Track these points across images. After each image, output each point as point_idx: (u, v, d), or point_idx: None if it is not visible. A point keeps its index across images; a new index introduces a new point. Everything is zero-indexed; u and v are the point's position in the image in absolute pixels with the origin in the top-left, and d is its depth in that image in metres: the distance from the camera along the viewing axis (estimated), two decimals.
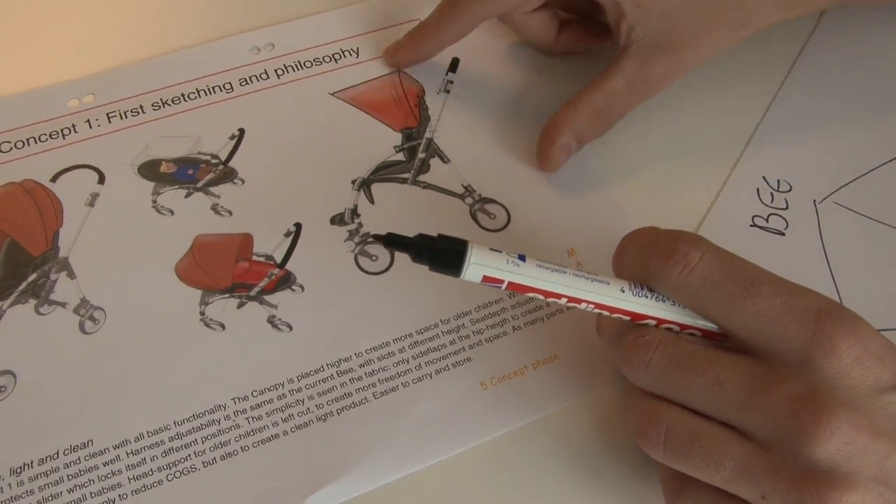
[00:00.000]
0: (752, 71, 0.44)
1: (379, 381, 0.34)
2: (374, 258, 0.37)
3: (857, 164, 0.41)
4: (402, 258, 0.37)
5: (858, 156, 0.41)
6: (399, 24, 0.45)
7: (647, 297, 0.29)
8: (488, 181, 0.40)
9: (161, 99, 0.42)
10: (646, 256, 0.29)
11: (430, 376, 0.34)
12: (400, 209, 0.39)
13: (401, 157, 0.40)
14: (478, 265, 0.28)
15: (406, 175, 0.40)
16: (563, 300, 0.29)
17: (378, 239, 0.28)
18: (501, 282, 0.28)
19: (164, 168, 0.40)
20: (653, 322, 0.29)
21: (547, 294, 0.29)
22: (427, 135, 0.41)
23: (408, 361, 0.35)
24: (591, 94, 0.38)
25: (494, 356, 0.35)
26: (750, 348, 0.28)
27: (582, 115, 0.38)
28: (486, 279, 0.28)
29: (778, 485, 0.26)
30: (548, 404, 0.34)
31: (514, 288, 0.29)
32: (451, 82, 0.43)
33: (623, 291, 0.29)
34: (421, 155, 0.40)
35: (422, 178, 0.40)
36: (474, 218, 0.38)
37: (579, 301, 0.29)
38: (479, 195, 0.39)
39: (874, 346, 0.26)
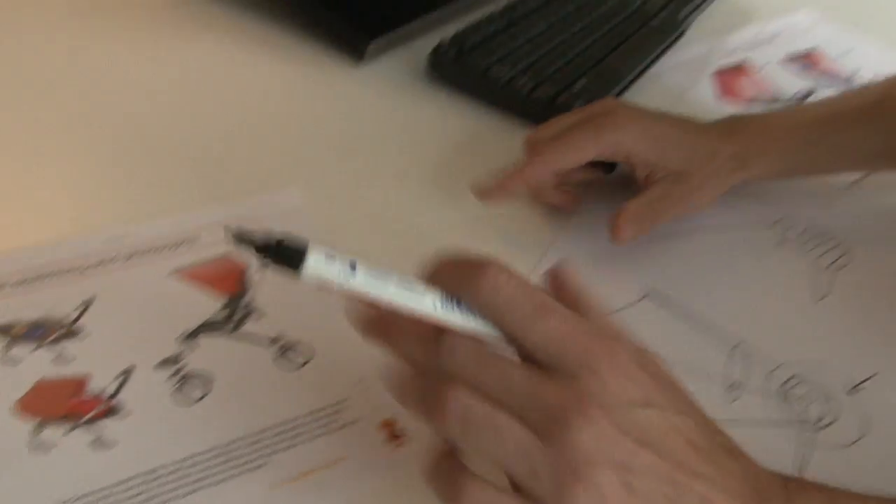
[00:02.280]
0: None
1: (182, 485, 0.40)
2: (190, 396, 0.44)
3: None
4: (217, 396, 0.44)
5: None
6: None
7: (454, 312, 0.34)
8: (297, 327, 0.49)
9: (22, 278, 0.50)
10: (458, 276, 0.35)
11: (227, 481, 0.41)
12: (217, 355, 0.47)
13: (224, 314, 0.49)
14: (314, 276, 0.34)
15: (228, 327, 0.48)
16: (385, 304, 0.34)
17: (230, 233, 0.34)
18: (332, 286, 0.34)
19: (16, 331, 0.47)
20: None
21: (371, 300, 0.34)
22: (247, 299, 0.50)
23: (211, 469, 0.41)
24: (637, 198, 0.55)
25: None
26: (538, 362, 0.34)
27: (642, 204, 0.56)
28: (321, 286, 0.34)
29: (545, 463, 0.32)
30: None
31: (345, 294, 0.34)
32: None
33: (435, 308, 0.34)
34: (240, 314, 0.49)
35: (239, 331, 0.48)
36: (277, 362, 0.47)
37: (398, 308, 0.34)
38: (285, 342, 0.48)
39: (630, 370, 0.33)
